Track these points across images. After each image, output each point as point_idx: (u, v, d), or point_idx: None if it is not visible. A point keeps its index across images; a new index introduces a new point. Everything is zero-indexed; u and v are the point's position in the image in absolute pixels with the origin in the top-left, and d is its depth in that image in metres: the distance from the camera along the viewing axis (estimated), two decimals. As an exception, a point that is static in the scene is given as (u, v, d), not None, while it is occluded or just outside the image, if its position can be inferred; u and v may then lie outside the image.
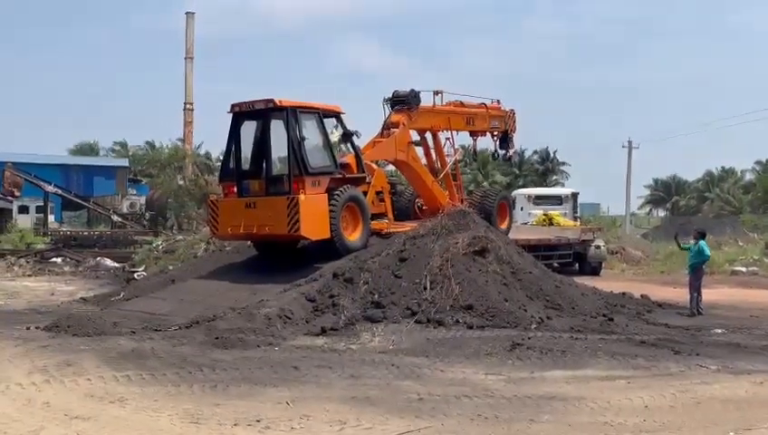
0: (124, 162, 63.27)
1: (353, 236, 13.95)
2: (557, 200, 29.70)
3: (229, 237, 15.82)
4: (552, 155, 72.61)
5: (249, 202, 13.62)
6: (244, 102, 13.73)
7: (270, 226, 13.30)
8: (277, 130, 13.58)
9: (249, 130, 13.93)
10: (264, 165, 13.80)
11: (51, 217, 43.28)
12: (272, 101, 13.37)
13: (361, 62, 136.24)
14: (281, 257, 14.12)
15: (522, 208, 28.80)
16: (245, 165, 14.05)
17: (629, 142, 53.63)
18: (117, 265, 23.61)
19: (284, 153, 13.52)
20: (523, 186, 53.11)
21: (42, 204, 42.17)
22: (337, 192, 13.61)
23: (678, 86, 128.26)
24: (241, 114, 13.87)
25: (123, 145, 73.56)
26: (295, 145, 13.19)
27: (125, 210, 41.73)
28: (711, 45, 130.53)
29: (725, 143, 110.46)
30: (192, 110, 46.25)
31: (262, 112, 13.70)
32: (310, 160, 13.39)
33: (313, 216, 13.12)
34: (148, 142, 70.69)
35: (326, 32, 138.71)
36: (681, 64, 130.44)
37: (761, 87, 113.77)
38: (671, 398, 7.72)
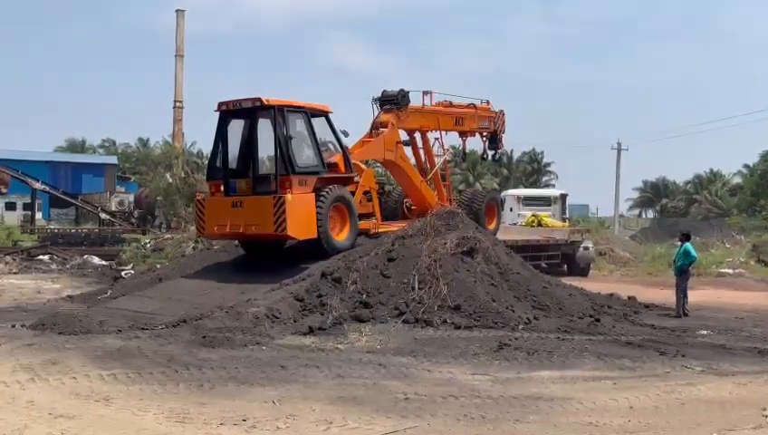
0: (113, 160, 62.96)
1: (340, 236, 13.88)
2: (546, 201, 29.80)
3: (216, 236, 15.72)
4: (540, 156, 72.95)
5: (236, 201, 13.51)
6: (231, 101, 13.62)
7: (256, 225, 13.20)
8: (264, 128, 13.49)
9: (236, 128, 13.85)
10: (251, 164, 13.70)
11: (38, 215, 43.02)
12: (259, 99, 13.29)
13: (348, 61, 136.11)
14: (269, 257, 14.09)
15: (511, 209, 28.89)
16: (232, 164, 13.94)
17: (618, 144, 54.08)
18: (104, 263, 23.53)
19: (271, 152, 13.43)
20: (514, 187, 53.31)
21: (29, 201, 41.89)
22: (324, 192, 13.54)
23: (668, 88, 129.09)
24: (228, 113, 13.77)
25: (112, 142, 73.23)
26: (282, 144, 13.09)
27: (113, 208, 41.44)
28: (700, 48, 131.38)
29: (714, 146, 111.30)
30: (182, 108, 46.12)
31: (249, 111, 13.60)
32: (297, 160, 13.30)
33: (300, 215, 13.04)
34: (140, 139, 70.46)
35: (312, 31, 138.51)
36: (671, 66, 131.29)
37: (748, 90, 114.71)
38: (656, 399, 7.78)
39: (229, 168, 13.90)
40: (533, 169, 72.57)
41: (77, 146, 72.30)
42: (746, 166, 59.31)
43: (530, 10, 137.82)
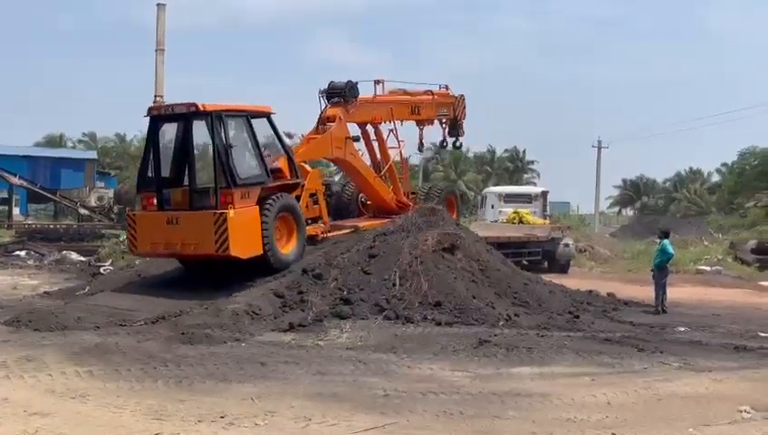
0: (93, 155, 62.15)
1: (287, 249, 13.08)
2: (527, 199, 29.89)
3: (149, 255, 14.52)
4: (521, 153, 73.25)
5: (171, 218, 12.52)
6: (164, 105, 12.85)
7: (195, 244, 12.33)
8: (201, 136, 12.68)
9: (170, 135, 13.00)
10: (188, 176, 12.72)
11: (16, 210, 42.45)
12: (194, 105, 12.35)
13: (332, 57, 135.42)
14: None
15: (492, 206, 29.00)
16: (166, 173, 12.90)
17: (599, 142, 54.45)
18: (83, 259, 23.28)
19: (210, 162, 12.59)
20: (496, 184, 53.48)
21: (6, 196, 41.32)
22: (268, 202, 12.64)
23: (648, 87, 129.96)
24: (160, 118, 12.90)
25: (92, 137, 72.39)
26: (222, 154, 12.16)
27: (93, 203, 40.95)
28: (681, 47, 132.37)
29: (694, 144, 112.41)
30: (163, 103, 45.71)
31: (184, 116, 12.64)
32: (238, 170, 12.39)
33: (244, 232, 12.18)
34: (117, 134, 69.74)
35: (297, 26, 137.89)
36: (651, 65, 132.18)
37: (729, 89, 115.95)
38: (634, 394, 7.83)
39: (162, 177, 12.87)
40: (516, 168, 72.79)
41: (56, 141, 71.36)
42: (725, 164, 60.08)
43: (516, 7, 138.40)
